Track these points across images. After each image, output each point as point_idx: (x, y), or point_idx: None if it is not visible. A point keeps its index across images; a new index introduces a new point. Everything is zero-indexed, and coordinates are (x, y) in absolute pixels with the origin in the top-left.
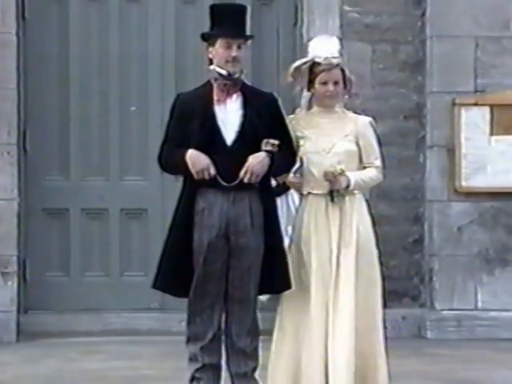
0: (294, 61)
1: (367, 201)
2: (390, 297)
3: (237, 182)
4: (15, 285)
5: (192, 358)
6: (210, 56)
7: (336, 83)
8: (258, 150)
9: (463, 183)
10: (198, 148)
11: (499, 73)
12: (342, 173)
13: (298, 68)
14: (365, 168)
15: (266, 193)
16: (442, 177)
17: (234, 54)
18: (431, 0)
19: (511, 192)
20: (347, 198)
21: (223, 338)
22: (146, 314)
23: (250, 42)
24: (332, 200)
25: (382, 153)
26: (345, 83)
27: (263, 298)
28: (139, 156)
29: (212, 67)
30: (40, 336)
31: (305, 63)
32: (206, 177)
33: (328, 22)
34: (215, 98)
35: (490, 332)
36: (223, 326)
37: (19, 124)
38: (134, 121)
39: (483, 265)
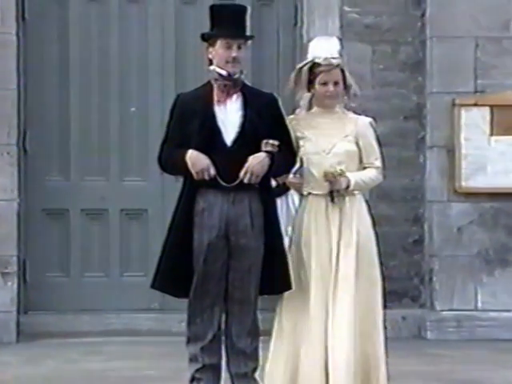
0: (294, 61)
1: (367, 201)
2: (390, 297)
3: (237, 182)
4: (15, 285)
5: (192, 359)
6: (210, 56)
7: (336, 84)
8: (258, 150)
9: (463, 184)
10: (197, 148)
11: (499, 73)
12: (342, 173)
13: (299, 71)
14: (365, 168)
15: (266, 193)
16: (441, 177)
17: (234, 54)
18: (431, 0)
19: (511, 192)
20: (347, 198)
21: (223, 338)
22: (146, 314)
23: (250, 42)
24: (332, 200)
25: (381, 153)
26: (345, 84)
27: None
28: (139, 156)
29: (212, 68)
30: (40, 336)
31: (305, 64)
32: (206, 177)
33: (328, 22)
34: (215, 98)
35: (489, 332)
36: (223, 326)
37: (19, 124)
38: (133, 121)
39: (483, 265)
